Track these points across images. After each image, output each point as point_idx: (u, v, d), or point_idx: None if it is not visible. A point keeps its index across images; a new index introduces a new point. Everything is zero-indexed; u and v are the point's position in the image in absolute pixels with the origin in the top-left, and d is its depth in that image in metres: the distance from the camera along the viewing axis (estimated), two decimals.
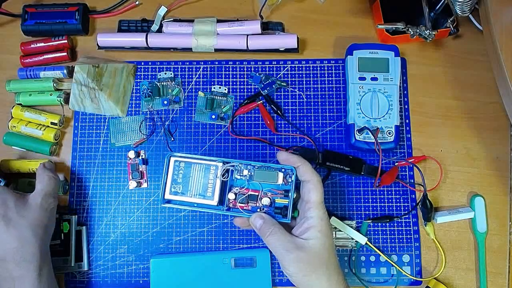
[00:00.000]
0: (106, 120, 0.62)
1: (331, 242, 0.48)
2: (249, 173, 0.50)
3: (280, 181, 0.50)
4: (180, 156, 0.51)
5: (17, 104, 0.61)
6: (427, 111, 0.62)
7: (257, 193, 0.50)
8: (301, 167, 0.49)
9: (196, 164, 0.51)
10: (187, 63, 0.64)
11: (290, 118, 0.62)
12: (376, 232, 0.59)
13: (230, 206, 0.51)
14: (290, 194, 0.49)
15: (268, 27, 0.64)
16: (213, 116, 0.61)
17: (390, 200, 0.59)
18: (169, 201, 0.52)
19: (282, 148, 0.60)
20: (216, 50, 0.63)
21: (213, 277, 0.56)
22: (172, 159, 0.51)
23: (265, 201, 0.50)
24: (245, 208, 0.50)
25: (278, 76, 0.63)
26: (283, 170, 0.50)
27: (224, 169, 0.50)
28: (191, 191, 0.51)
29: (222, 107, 0.62)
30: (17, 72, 0.62)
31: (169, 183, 0.51)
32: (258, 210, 0.50)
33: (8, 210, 0.50)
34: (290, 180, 0.50)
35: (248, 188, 0.50)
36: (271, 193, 0.50)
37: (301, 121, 0.62)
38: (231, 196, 0.50)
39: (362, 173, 0.59)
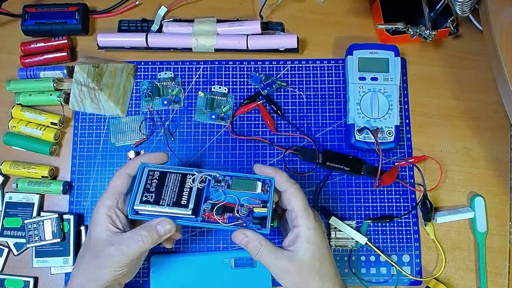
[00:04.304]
0: (106, 120, 0.62)
1: (325, 250, 0.46)
2: (227, 183, 0.47)
3: (259, 190, 0.47)
4: (156, 167, 0.48)
5: (17, 104, 0.61)
6: (427, 111, 0.62)
7: (233, 206, 0.47)
8: (276, 177, 0.47)
9: (172, 173, 0.48)
10: (187, 63, 0.64)
11: (290, 118, 0.62)
12: (376, 232, 0.59)
13: (205, 218, 0.46)
14: (268, 204, 0.46)
15: (268, 27, 0.64)
16: (213, 116, 0.61)
17: (390, 200, 0.59)
18: (137, 213, 0.47)
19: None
20: (216, 50, 0.63)
21: (213, 277, 0.56)
22: (146, 169, 0.48)
23: (243, 210, 0.46)
24: (221, 220, 0.47)
25: (278, 76, 0.63)
26: (261, 180, 0.47)
27: (202, 176, 0.47)
28: (164, 200, 0.46)
29: (222, 107, 0.62)
30: (17, 72, 0.62)
31: (141, 191, 0.47)
32: (237, 220, 0.46)
33: None
34: (268, 190, 0.47)
35: (224, 201, 0.47)
36: (249, 203, 0.47)
37: (301, 121, 0.62)
38: (206, 206, 0.46)
39: (362, 173, 0.59)
